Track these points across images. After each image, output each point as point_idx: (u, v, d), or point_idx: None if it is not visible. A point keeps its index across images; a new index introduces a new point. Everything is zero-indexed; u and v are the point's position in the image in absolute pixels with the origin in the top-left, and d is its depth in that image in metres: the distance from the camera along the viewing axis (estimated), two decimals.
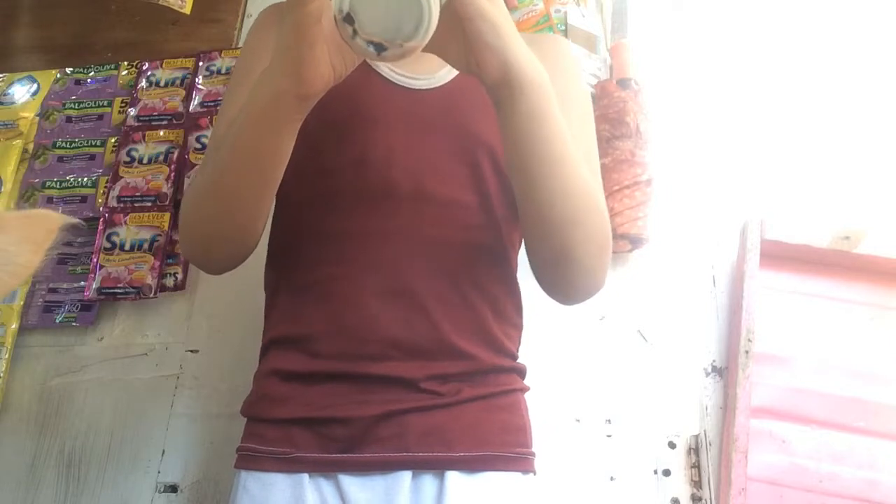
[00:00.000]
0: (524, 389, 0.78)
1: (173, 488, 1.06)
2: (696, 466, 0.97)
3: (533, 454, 0.76)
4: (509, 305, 0.78)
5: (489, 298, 0.75)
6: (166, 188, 1.20)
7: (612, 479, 0.98)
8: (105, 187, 1.24)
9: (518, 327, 0.80)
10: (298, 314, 0.74)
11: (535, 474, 0.75)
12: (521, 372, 0.78)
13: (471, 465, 0.69)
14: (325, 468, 0.70)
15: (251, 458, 0.72)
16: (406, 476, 0.68)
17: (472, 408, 0.71)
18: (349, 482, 0.69)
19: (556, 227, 0.66)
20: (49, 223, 0.54)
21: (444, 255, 0.73)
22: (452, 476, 0.68)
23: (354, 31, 0.51)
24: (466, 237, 0.74)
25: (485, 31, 0.55)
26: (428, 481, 0.69)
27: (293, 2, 0.54)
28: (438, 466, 0.69)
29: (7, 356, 1.16)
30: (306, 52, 0.56)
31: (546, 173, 0.63)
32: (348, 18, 0.50)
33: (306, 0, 0.53)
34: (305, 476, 0.69)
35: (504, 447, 0.72)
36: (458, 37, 0.56)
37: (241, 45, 1.35)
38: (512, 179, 0.67)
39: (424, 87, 0.77)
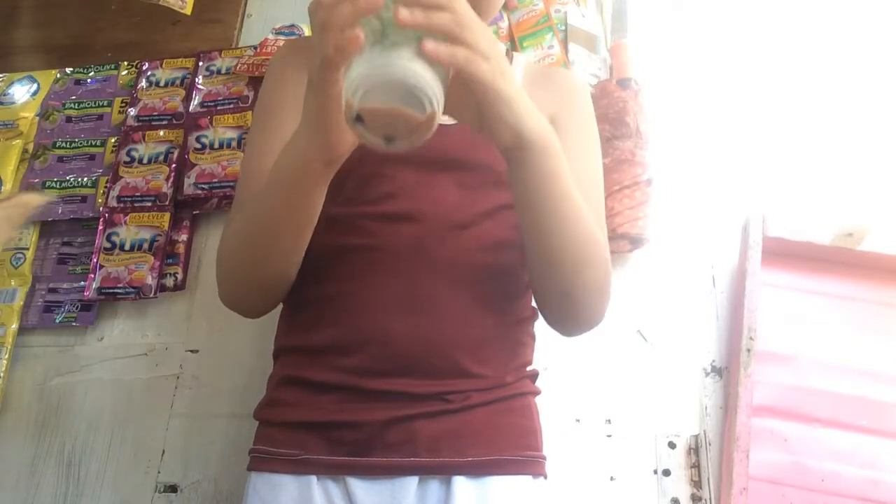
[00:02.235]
0: (535, 393, 0.79)
1: (173, 488, 1.06)
2: (696, 466, 0.97)
3: (544, 457, 0.76)
4: (524, 321, 0.79)
5: (505, 317, 0.76)
6: (166, 188, 1.20)
7: (612, 479, 0.98)
8: (105, 187, 1.24)
9: (533, 337, 0.81)
10: (311, 327, 0.75)
11: (545, 478, 0.76)
12: (532, 376, 0.79)
13: (480, 470, 0.69)
14: (333, 471, 0.70)
15: (261, 460, 0.73)
16: (413, 481, 0.69)
17: (483, 412, 0.72)
18: (357, 485, 0.69)
19: (560, 272, 0.70)
20: (28, 205, 0.57)
21: (460, 275, 0.74)
22: (459, 481, 0.68)
23: (364, 129, 0.53)
24: (483, 258, 0.75)
25: (501, 109, 0.59)
26: (434, 486, 0.69)
27: (317, 87, 0.58)
28: (447, 472, 0.69)
29: (7, 356, 1.16)
30: (332, 125, 0.60)
31: (553, 226, 0.67)
32: (358, 119, 0.52)
33: (328, 87, 0.56)
34: (314, 478, 0.70)
35: (514, 450, 0.72)
36: (471, 103, 0.59)
37: (241, 45, 1.35)
38: (522, 228, 0.70)
39: (446, 122, 0.79)
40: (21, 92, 1.36)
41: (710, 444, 0.98)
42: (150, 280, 1.15)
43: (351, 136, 0.60)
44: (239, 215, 0.75)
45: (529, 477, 0.73)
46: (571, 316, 0.75)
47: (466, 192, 0.76)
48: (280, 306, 0.82)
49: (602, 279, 0.72)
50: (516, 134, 0.61)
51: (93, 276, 1.17)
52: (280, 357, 0.79)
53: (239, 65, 1.26)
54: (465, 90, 0.57)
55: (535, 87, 0.83)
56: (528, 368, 0.79)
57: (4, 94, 1.36)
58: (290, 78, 0.81)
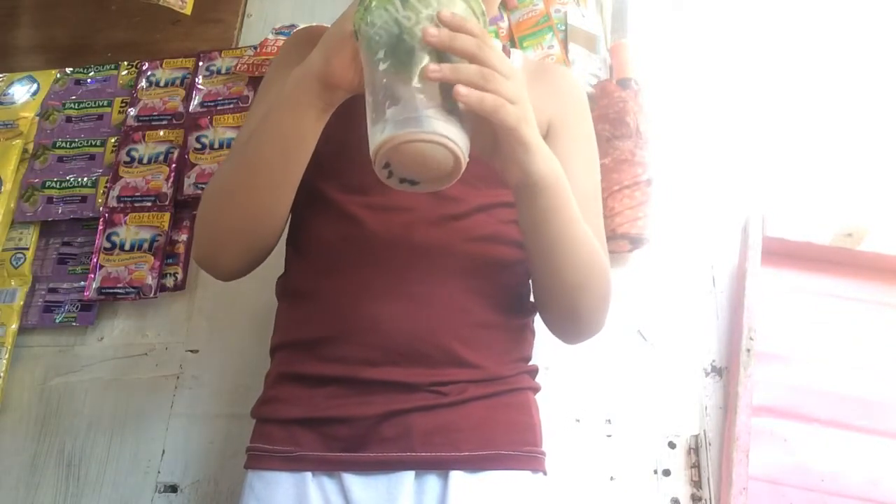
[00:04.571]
0: (534, 388, 0.79)
1: (173, 488, 1.06)
2: (696, 466, 0.97)
3: (543, 453, 0.76)
4: (522, 314, 0.79)
5: (499, 308, 0.76)
6: (166, 188, 1.20)
7: (612, 479, 0.98)
8: (105, 187, 1.24)
9: (532, 331, 0.81)
10: (303, 321, 0.75)
11: (545, 474, 0.75)
12: (531, 372, 0.79)
13: (477, 465, 0.69)
14: (328, 467, 0.70)
15: (257, 458, 0.73)
16: (409, 476, 0.68)
17: (479, 406, 0.71)
18: (352, 481, 0.69)
19: (565, 292, 0.73)
20: None
21: (450, 263, 0.74)
22: (456, 475, 0.68)
23: (390, 173, 0.57)
24: (474, 248, 0.75)
25: (517, 152, 0.61)
26: (431, 481, 0.68)
27: (342, 17, 0.64)
28: (443, 466, 0.68)
29: (7, 356, 1.16)
30: (339, 47, 0.63)
31: (557, 254, 0.70)
32: (386, 165, 0.56)
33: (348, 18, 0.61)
34: (309, 474, 0.69)
35: (512, 446, 0.72)
36: (487, 132, 0.60)
37: (241, 45, 1.35)
38: (527, 253, 0.73)
39: None
40: (21, 92, 1.36)
41: (710, 444, 0.98)
42: (150, 280, 1.15)
43: (350, 73, 0.64)
44: (227, 159, 0.77)
45: (528, 472, 0.72)
46: (575, 328, 0.77)
47: (462, 187, 0.75)
48: (277, 306, 0.82)
49: (604, 292, 0.75)
50: (526, 175, 0.63)
51: (93, 276, 1.17)
52: (275, 354, 0.79)
53: (239, 65, 1.26)
54: (484, 121, 0.58)
55: (533, 82, 0.82)
56: (527, 363, 0.79)
57: (4, 94, 1.36)
58: (295, 61, 0.81)
